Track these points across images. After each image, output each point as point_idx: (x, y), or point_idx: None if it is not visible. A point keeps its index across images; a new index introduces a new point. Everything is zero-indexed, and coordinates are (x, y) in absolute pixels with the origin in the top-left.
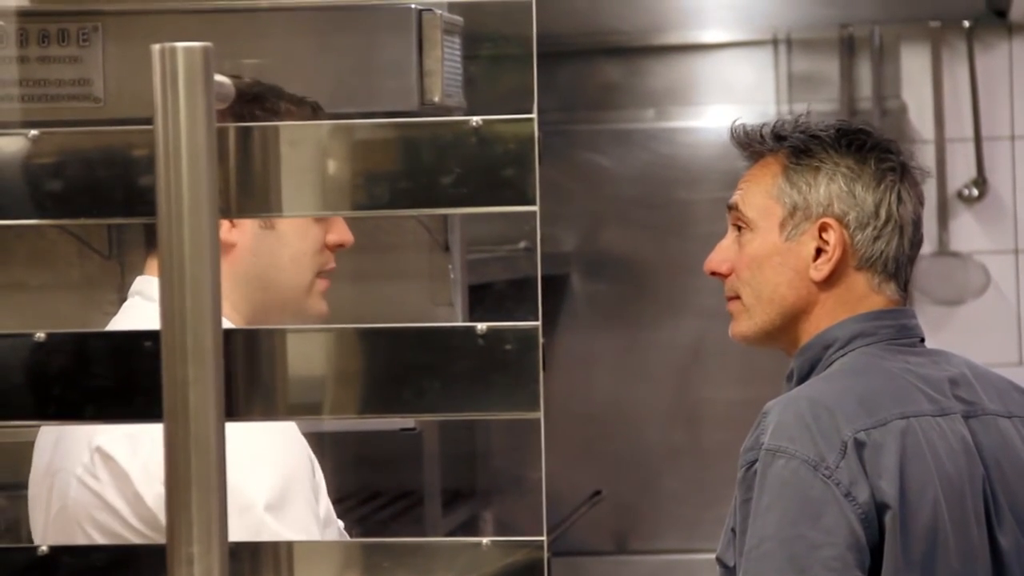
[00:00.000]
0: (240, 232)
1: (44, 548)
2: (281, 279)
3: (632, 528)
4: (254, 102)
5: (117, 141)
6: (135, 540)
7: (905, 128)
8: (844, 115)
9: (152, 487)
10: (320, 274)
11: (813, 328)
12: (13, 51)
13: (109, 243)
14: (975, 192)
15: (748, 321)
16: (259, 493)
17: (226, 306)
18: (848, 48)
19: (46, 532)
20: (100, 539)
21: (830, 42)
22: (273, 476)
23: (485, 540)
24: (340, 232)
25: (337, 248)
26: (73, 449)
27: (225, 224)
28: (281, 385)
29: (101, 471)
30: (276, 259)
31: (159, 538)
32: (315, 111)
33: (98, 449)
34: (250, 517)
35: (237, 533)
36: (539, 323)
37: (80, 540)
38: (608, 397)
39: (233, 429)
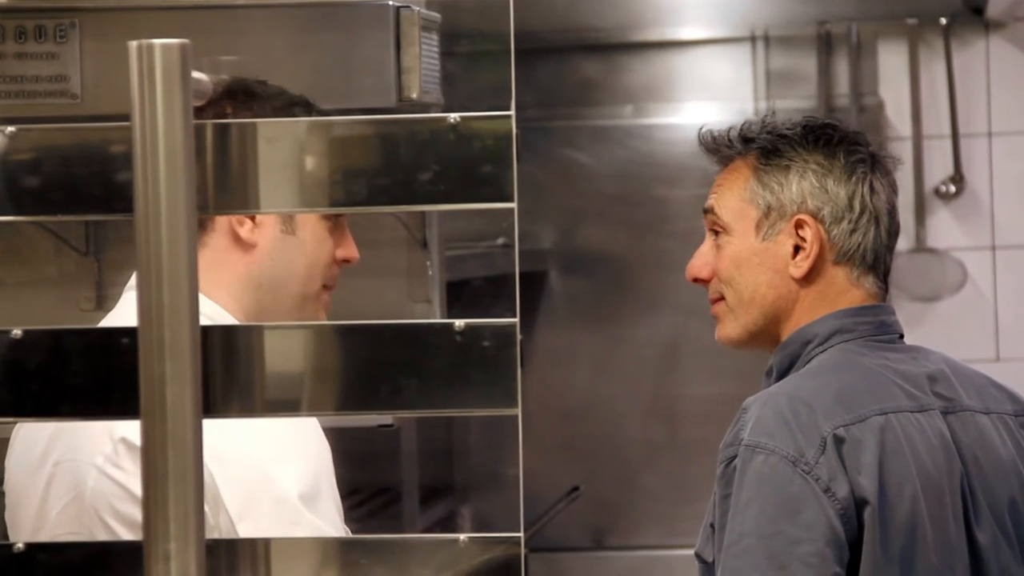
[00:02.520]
0: (261, 233)
1: (20, 545)
2: (293, 285)
3: (610, 524)
4: (289, 107)
5: (94, 137)
6: None
7: (882, 125)
8: (822, 112)
9: None
10: (326, 286)
11: (794, 325)
12: None
13: (86, 240)
14: (952, 189)
15: (733, 323)
16: (293, 485)
17: (234, 306)
18: (826, 45)
19: (41, 524)
20: (121, 529)
21: (808, 39)
22: (305, 469)
23: (462, 536)
24: (349, 248)
25: (343, 264)
26: (85, 440)
27: (248, 224)
28: (259, 382)
29: (126, 461)
30: (293, 265)
31: None
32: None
33: (123, 440)
34: (287, 508)
35: (275, 525)
36: (517, 320)
37: (99, 530)
38: (586, 393)
39: (264, 424)
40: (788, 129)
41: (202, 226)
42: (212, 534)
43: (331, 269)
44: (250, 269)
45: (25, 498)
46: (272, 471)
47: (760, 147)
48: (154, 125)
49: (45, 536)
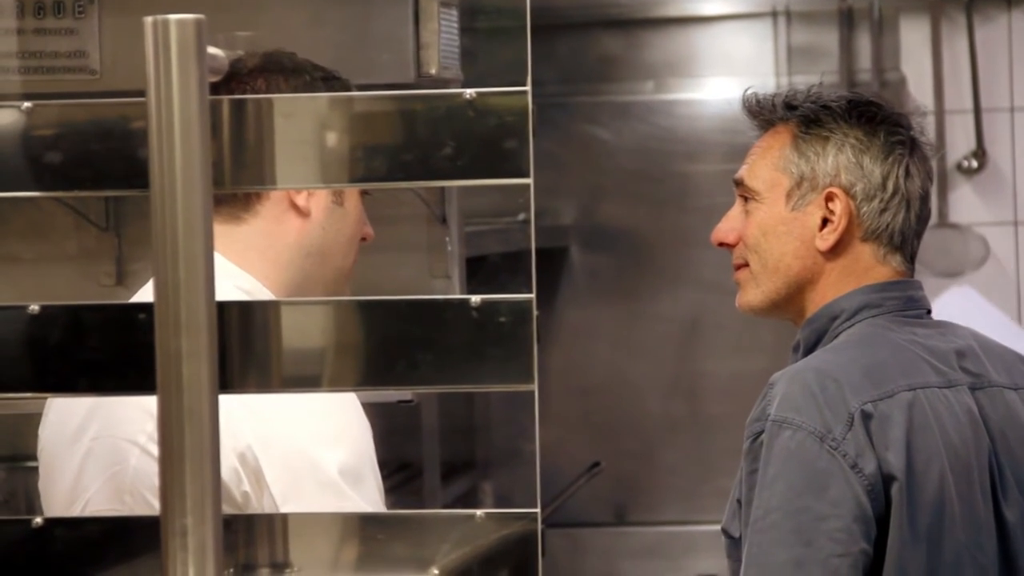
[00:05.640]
0: (315, 202)
1: (39, 520)
2: (337, 256)
3: (631, 499)
4: (322, 82)
5: (112, 113)
6: None
7: (904, 100)
8: (844, 87)
9: (225, 459)
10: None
11: (819, 299)
12: (9, 23)
13: (106, 215)
14: (974, 164)
15: (755, 290)
16: (337, 467)
17: (277, 277)
18: (847, 20)
19: (76, 497)
20: None
21: (829, 14)
22: (350, 451)
23: (479, 512)
24: (368, 226)
25: (361, 241)
26: (124, 417)
27: (304, 192)
28: (276, 357)
29: None
30: (340, 235)
31: (230, 510)
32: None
33: None
34: (332, 491)
35: (320, 507)
36: (533, 295)
37: (140, 508)
38: (607, 369)
39: (309, 405)
40: (833, 101)
41: (256, 195)
42: None
43: (358, 245)
44: (301, 237)
45: (59, 471)
46: (317, 453)
47: (802, 115)
48: (169, 101)
49: (81, 510)
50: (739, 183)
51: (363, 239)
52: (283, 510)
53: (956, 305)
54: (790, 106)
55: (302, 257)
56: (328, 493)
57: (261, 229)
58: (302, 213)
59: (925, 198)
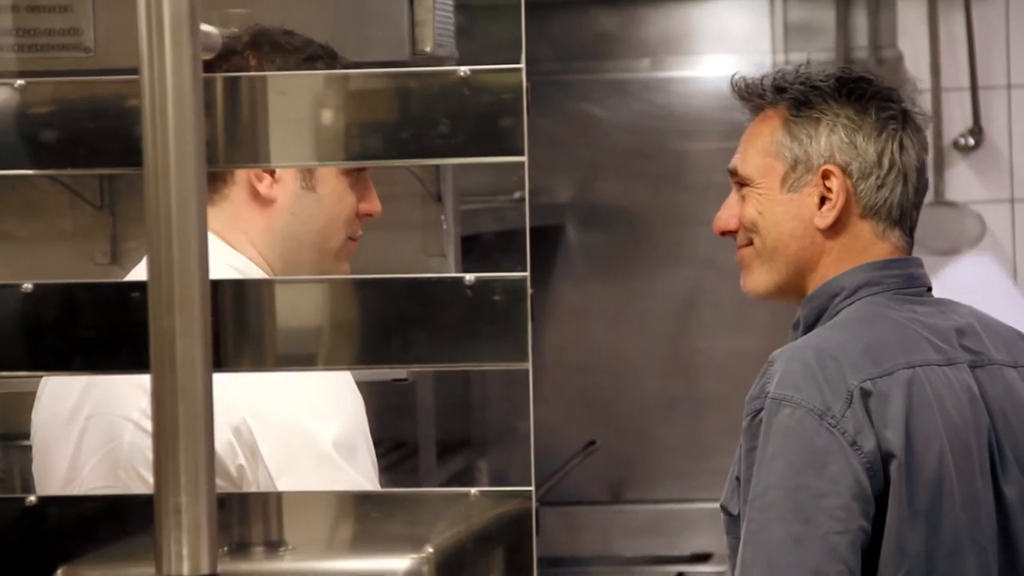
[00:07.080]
0: (281, 189)
1: (32, 498)
2: (315, 240)
3: (627, 478)
4: (314, 59)
5: (106, 91)
6: None
7: (901, 77)
8: (840, 64)
9: (220, 433)
10: (351, 238)
11: (820, 278)
12: (4, 0)
13: (101, 194)
14: (971, 141)
15: (759, 270)
16: (331, 440)
17: (260, 259)
18: None
19: (73, 477)
20: None
21: None
22: (344, 423)
23: (473, 490)
24: (371, 202)
25: (365, 217)
26: (118, 394)
27: (267, 179)
28: (270, 336)
29: None
30: (312, 221)
31: (224, 484)
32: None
33: None
34: (327, 463)
35: (315, 480)
36: (527, 274)
37: (135, 484)
38: (603, 347)
39: (301, 379)
40: (821, 81)
41: (222, 179)
42: (250, 489)
43: (352, 224)
44: (270, 224)
45: (56, 451)
46: (311, 426)
47: (792, 98)
48: (163, 78)
49: (77, 489)
50: (733, 172)
51: (368, 215)
52: (278, 483)
53: (973, 272)
54: (779, 89)
55: (278, 242)
56: (323, 466)
57: (232, 214)
58: (265, 201)
59: (921, 170)
